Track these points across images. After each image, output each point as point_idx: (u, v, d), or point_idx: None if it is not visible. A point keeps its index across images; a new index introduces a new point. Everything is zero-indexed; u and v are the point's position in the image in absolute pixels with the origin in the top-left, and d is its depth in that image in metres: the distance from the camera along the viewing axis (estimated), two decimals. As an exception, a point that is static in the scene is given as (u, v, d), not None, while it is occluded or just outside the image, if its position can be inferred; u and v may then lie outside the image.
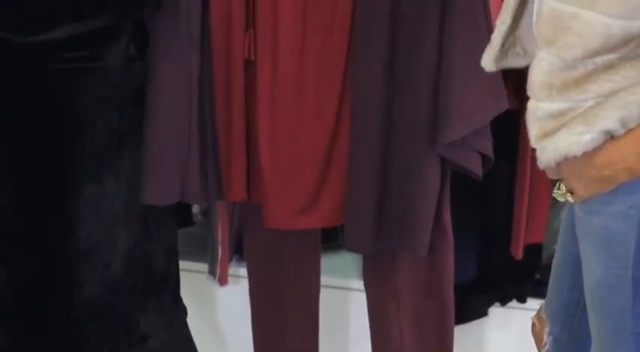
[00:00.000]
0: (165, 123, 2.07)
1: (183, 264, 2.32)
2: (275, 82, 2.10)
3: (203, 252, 2.60)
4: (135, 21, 2.02)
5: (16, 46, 1.88)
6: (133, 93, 2.05)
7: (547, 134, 1.43)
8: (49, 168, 1.97)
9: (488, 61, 1.62)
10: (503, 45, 1.58)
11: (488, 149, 2.08)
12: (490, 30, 1.85)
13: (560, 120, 1.41)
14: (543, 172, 1.53)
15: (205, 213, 2.61)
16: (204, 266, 2.60)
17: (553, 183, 1.56)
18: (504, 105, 2.04)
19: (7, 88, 1.93)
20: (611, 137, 1.39)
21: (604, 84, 1.37)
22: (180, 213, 2.35)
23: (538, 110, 1.43)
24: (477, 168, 2.09)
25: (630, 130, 1.37)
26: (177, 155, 2.09)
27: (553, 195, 1.53)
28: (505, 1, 1.57)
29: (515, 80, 2.15)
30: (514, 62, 1.63)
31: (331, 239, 2.69)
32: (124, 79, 2.01)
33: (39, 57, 1.91)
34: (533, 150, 1.48)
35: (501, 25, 1.58)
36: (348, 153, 2.11)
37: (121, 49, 1.99)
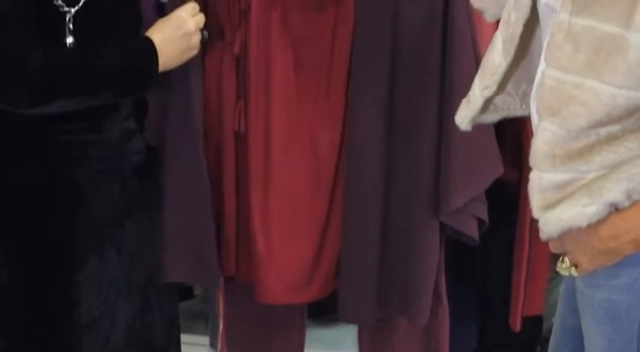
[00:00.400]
0: (183, 204, 2.09)
1: (184, 337, 2.31)
2: (268, 154, 2.10)
3: (204, 325, 2.58)
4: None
5: (16, 119, 1.89)
6: (133, 165, 2.06)
7: (550, 205, 1.43)
8: (49, 241, 1.97)
9: (466, 120, 1.63)
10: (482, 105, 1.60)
11: (484, 213, 2.09)
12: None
13: (563, 192, 1.41)
14: (542, 243, 1.53)
15: (206, 288, 2.60)
16: (205, 340, 2.58)
17: (553, 255, 1.55)
18: (501, 169, 2.05)
19: (7, 160, 1.94)
20: (615, 209, 1.39)
21: (608, 155, 1.38)
22: (181, 287, 2.34)
23: (541, 181, 1.43)
24: (473, 232, 2.10)
25: (635, 202, 1.38)
26: (194, 233, 2.11)
27: (557, 269, 1.51)
28: (489, 65, 1.58)
29: (514, 152, 2.17)
30: (487, 118, 1.65)
31: (324, 311, 2.66)
32: (124, 151, 2.03)
33: (38, 130, 1.92)
34: (532, 221, 1.48)
35: (485, 90, 1.58)
36: (343, 223, 2.11)
37: (120, 121, 2.00)
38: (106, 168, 1.99)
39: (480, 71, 1.62)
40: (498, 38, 1.57)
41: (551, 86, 1.39)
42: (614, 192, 1.38)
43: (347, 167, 2.08)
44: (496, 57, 1.57)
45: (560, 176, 1.41)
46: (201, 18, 1.98)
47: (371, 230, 2.09)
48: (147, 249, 2.10)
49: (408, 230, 2.08)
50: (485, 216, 2.09)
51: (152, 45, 1.91)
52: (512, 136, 2.21)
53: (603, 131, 1.37)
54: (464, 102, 1.64)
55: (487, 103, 1.61)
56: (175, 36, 1.93)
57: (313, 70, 2.06)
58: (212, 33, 2.03)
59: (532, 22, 1.51)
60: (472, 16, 1.99)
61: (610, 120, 1.36)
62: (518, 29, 1.50)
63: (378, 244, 2.10)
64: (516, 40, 1.51)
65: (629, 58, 1.31)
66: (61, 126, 1.92)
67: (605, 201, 1.39)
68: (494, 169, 2.06)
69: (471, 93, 1.63)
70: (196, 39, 1.97)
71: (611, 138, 1.37)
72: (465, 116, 1.64)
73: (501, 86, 1.58)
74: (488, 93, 1.58)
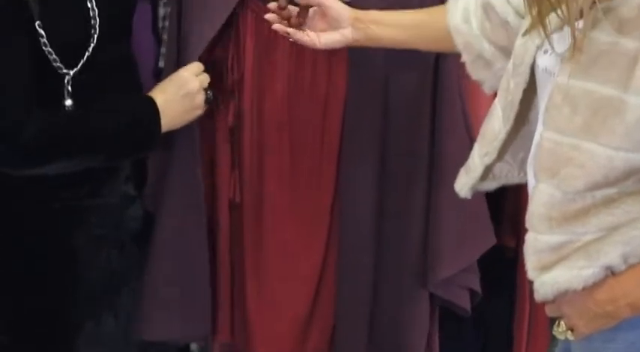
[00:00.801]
0: (170, 267, 2.09)
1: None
2: (260, 222, 2.09)
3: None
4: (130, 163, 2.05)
5: (14, 184, 1.89)
6: (131, 232, 2.05)
7: (545, 267, 1.43)
8: (46, 307, 1.96)
9: (465, 188, 1.64)
10: (482, 173, 1.61)
11: (476, 284, 2.08)
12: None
13: (559, 254, 1.41)
14: (543, 309, 1.53)
15: (203, 348, 2.58)
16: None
17: (551, 321, 1.55)
18: (492, 240, 2.04)
19: (6, 225, 1.93)
20: (611, 272, 1.39)
21: (605, 218, 1.38)
22: (180, 348, 2.34)
23: (537, 242, 1.43)
24: (465, 303, 2.09)
25: (632, 266, 1.38)
26: (188, 294, 2.10)
27: (553, 332, 1.51)
28: (488, 132, 1.60)
29: (512, 217, 2.16)
30: (485, 186, 1.66)
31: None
32: (123, 217, 2.02)
33: (37, 196, 1.91)
34: (532, 286, 1.48)
35: (485, 157, 1.60)
36: (336, 291, 2.10)
37: (119, 185, 2.00)
38: (105, 233, 1.98)
39: (479, 139, 1.63)
40: (497, 106, 1.59)
41: (549, 148, 1.40)
42: (611, 255, 1.38)
43: (340, 236, 2.07)
44: (496, 124, 1.58)
45: (556, 238, 1.42)
46: (205, 78, 1.96)
47: (362, 298, 2.08)
48: None
49: (398, 299, 2.07)
50: (477, 287, 2.08)
51: (154, 105, 1.90)
52: (509, 202, 2.20)
53: (600, 193, 1.37)
54: (463, 170, 1.65)
55: (487, 171, 1.62)
56: (178, 96, 1.92)
57: (306, 140, 2.06)
58: (216, 94, 2.02)
59: (530, 90, 1.53)
60: (462, 84, 2.00)
61: (607, 183, 1.36)
62: (518, 95, 1.52)
63: (369, 313, 2.09)
64: (516, 107, 1.53)
65: (626, 119, 1.32)
66: (60, 191, 1.91)
67: (601, 264, 1.39)
68: (486, 240, 2.05)
69: (470, 161, 1.64)
70: (200, 99, 1.95)
71: (608, 201, 1.38)
72: (464, 184, 1.65)
73: (501, 153, 1.60)
74: (488, 160, 1.59)
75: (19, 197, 1.90)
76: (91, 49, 1.83)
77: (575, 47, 1.36)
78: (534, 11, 1.40)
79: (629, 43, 1.33)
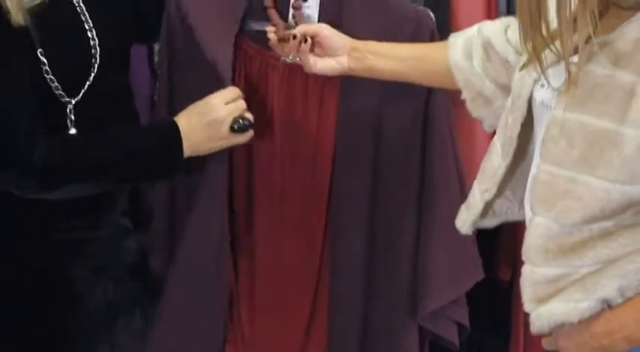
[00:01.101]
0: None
1: None
2: (254, 276, 2.10)
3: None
4: (131, 193, 2.05)
5: (14, 216, 1.89)
6: (127, 265, 2.05)
7: (542, 299, 1.43)
8: (43, 338, 1.95)
9: (466, 224, 1.64)
10: (483, 209, 1.61)
11: (465, 318, 2.07)
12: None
13: (555, 286, 1.42)
14: (537, 342, 1.53)
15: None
16: None
17: (546, 353, 1.55)
18: (480, 274, 2.04)
19: (4, 257, 1.93)
20: (607, 305, 1.39)
21: (601, 251, 1.38)
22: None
23: (533, 275, 1.44)
24: (453, 337, 2.08)
25: (629, 299, 1.38)
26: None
27: None
28: (488, 169, 1.60)
29: (507, 249, 2.17)
30: (486, 223, 1.66)
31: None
32: (119, 250, 2.02)
33: (35, 228, 1.90)
34: (527, 319, 1.48)
35: (485, 193, 1.60)
36: (327, 328, 2.09)
37: (116, 218, 2.00)
38: (102, 266, 1.98)
39: (479, 175, 1.64)
40: (496, 143, 1.60)
41: (546, 181, 1.41)
42: (608, 288, 1.38)
43: (331, 269, 2.07)
44: (495, 160, 1.59)
45: (553, 270, 1.42)
46: (236, 107, 1.90)
47: (353, 330, 2.08)
48: (138, 347, 2.08)
49: (388, 331, 2.06)
50: (465, 321, 2.08)
51: (177, 129, 1.86)
52: (505, 234, 2.21)
53: (597, 226, 1.38)
54: (463, 207, 1.65)
55: (487, 207, 1.62)
56: (202, 123, 1.87)
57: (296, 174, 2.06)
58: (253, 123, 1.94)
59: (528, 124, 1.53)
60: (451, 121, 2.01)
61: (604, 216, 1.37)
62: (516, 130, 1.53)
63: (360, 345, 2.08)
64: (514, 142, 1.54)
65: (623, 152, 1.33)
66: (59, 223, 1.91)
67: (598, 297, 1.39)
68: (474, 274, 2.05)
69: (470, 197, 1.65)
70: (225, 129, 1.89)
71: (605, 234, 1.38)
72: (465, 220, 1.65)
73: (500, 189, 1.60)
74: (488, 196, 1.60)
75: (18, 228, 1.90)
76: (92, 78, 1.84)
77: (571, 81, 1.37)
78: (529, 46, 1.41)
79: (624, 76, 1.34)
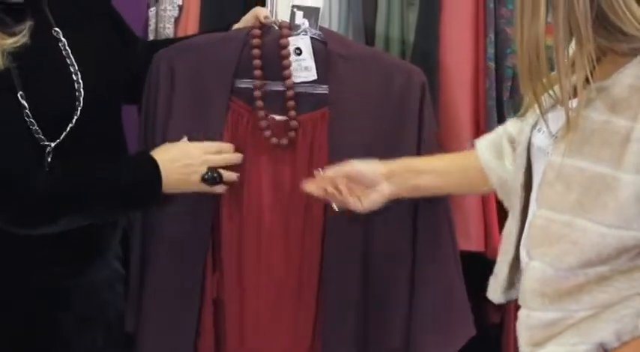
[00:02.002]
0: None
1: None
2: (242, 322, 2.06)
3: None
4: (121, 239, 2.03)
5: (1, 264, 1.87)
6: (120, 312, 2.03)
7: (538, 344, 1.43)
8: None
9: (496, 293, 1.63)
10: (509, 274, 1.60)
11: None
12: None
13: (551, 330, 1.41)
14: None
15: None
16: None
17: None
18: (472, 331, 2.03)
19: None
20: (604, 350, 1.38)
21: (598, 295, 1.38)
22: None
23: (530, 319, 1.43)
24: None
25: (625, 343, 1.37)
26: None
27: None
28: (506, 231, 1.60)
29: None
30: (515, 293, 1.62)
31: None
32: (109, 298, 2.00)
33: (25, 273, 1.88)
34: None
35: (505, 255, 1.60)
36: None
37: (107, 265, 1.98)
38: (92, 314, 1.96)
39: (501, 242, 1.64)
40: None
41: (542, 225, 1.41)
42: (604, 332, 1.38)
43: (322, 325, 2.04)
44: (510, 221, 1.59)
45: (549, 315, 1.42)
46: (215, 159, 1.93)
47: None
48: None
49: None
50: None
51: (155, 161, 1.87)
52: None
53: (593, 271, 1.38)
54: (492, 278, 1.65)
55: (512, 274, 1.60)
56: (178, 162, 1.89)
57: (285, 240, 2.03)
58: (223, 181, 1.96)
59: (531, 174, 1.54)
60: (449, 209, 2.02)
61: (600, 260, 1.37)
62: (519, 180, 1.54)
63: None
64: (519, 192, 1.54)
65: (619, 197, 1.33)
66: (48, 269, 1.88)
67: (594, 341, 1.39)
68: (465, 333, 2.03)
69: (496, 266, 1.64)
70: (196, 177, 1.91)
71: (601, 279, 1.38)
72: (494, 289, 1.64)
73: (518, 250, 1.58)
74: (507, 257, 1.59)
75: (6, 276, 1.87)
76: (74, 121, 1.82)
77: (570, 126, 1.37)
78: (529, 92, 1.42)
79: (620, 122, 1.35)
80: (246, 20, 2.05)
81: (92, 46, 1.89)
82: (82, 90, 1.83)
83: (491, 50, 2.14)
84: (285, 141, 1.99)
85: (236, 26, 2.06)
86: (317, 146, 1.99)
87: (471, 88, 2.16)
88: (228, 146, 1.97)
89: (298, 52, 1.99)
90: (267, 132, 1.99)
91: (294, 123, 1.98)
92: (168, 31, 2.33)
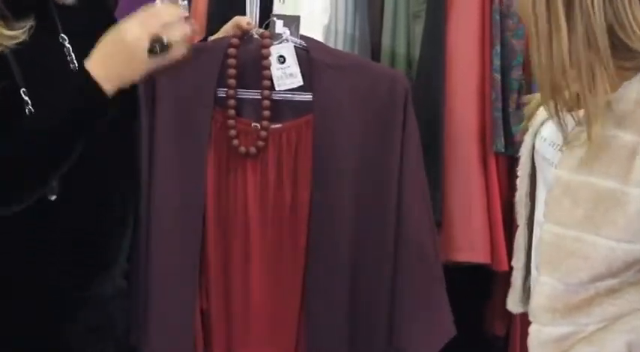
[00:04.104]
0: None
1: None
2: (229, 331, 2.07)
3: None
4: (126, 254, 2.02)
5: (4, 275, 1.87)
6: (124, 328, 2.01)
7: None
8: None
9: (514, 303, 1.64)
10: (524, 283, 1.60)
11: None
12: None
13: (563, 345, 1.41)
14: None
15: None
16: None
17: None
18: (452, 331, 2.02)
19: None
20: None
21: (608, 308, 1.38)
22: None
23: (541, 334, 1.43)
24: None
25: None
26: None
27: None
28: (515, 243, 1.61)
29: (503, 306, 2.16)
30: None
31: None
32: (115, 311, 1.98)
33: (29, 286, 1.88)
34: None
35: (517, 262, 1.61)
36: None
37: (112, 279, 1.97)
38: (99, 327, 1.95)
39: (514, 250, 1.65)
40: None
41: (551, 241, 1.41)
42: (616, 343, 1.38)
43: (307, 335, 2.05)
44: (519, 231, 1.61)
45: (560, 329, 1.41)
46: (153, 24, 1.70)
47: None
48: None
49: None
50: None
51: (89, 75, 1.72)
52: (500, 289, 2.20)
53: (602, 285, 1.38)
54: (511, 290, 1.65)
55: (527, 283, 1.61)
56: (115, 50, 1.71)
57: (272, 248, 2.05)
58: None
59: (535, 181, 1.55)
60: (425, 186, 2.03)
61: (610, 274, 1.37)
62: (524, 188, 1.55)
63: None
64: (523, 200, 1.56)
65: (627, 211, 1.34)
66: (52, 282, 1.87)
67: None
68: (445, 331, 2.04)
69: (512, 276, 1.65)
70: (141, 53, 1.69)
71: (611, 292, 1.38)
72: (512, 300, 1.65)
73: (529, 256, 1.60)
74: (520, 264, 1.60)
75: (9, 289, 1.87)
76: None
77: (591, 143, 1.37)
78: (552, 107, 1.41)
79: (627, 137, 1.35)
80: (225, 30, 2.06)
81: None
82: None
83: (497, 62, 2.15)
84: (253, 149, 2.00)
85: (215, 36, 2.07)
86: (301, 153, 2.00)
87: (476, 100, 2.17)
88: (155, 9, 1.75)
89: (282, 59, 2.01)
90: (235, 141, 2.01)
91: (262, 133, 2.00)
92: (174, 41, 2.33)
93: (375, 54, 2.28)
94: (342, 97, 1.99)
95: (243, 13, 2.11)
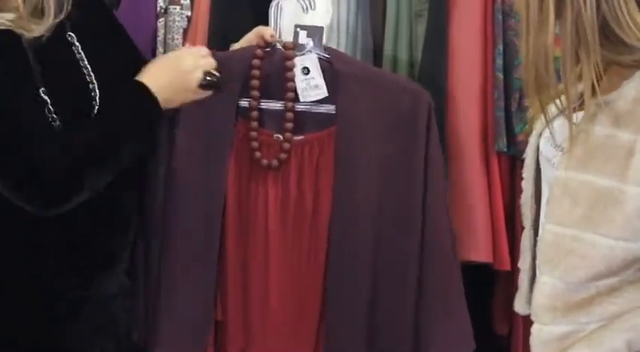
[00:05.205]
0: None
1: None
2: (247, 342, 2.07)
3: None
4: (129, 253, 2.02)
5: (10, 274, 1.86)
6: (127, 324, 2.02)
7: None
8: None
9: (520, 305, 1.64)
10: (530, 285, 1.60)
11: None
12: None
13: (563, 343, 1.41)
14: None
15: None
16: None
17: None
18: (472, 346, 2.04)
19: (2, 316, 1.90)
20: None
21: (608, 307, 1.38)
22: None
23: (542, 333, 1.43)
24: None
25: None
26: None
27: None
28: (521, 245, 1.62)
29: (505, 305, 2.15)
30: None
31: None
32: (118, 310, 1.99)
33: (33, 287, 1.87)
34: None
35: (524, 263, 1.61)
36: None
37: (115, 277, 1.97)
38: (101, 326, 1.95)
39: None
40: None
41: (551, 241, 1.42)
42: (616, 341, 1.38)
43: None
44: (524, 233, 1.62)
45: (560, 328, 1.42)
46: (207, 62, 1.92)
47: None
48: None
49: None
50: None
51: (148, 90, 1.86)
52: (501, 289, 2.20)
53: (602, 283, 1.38)
54: (517, 292, 1.65)
55: (532, 283, 1.61)
56: (171, 76, 1.89)
57: (292, 257, 2.05)
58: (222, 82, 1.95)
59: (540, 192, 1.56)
60: (447, 199, 2.05)
61: (609, 273, 1.37)
62: (529, 190, 1.56)
63: None
64: (529, 202, 1.57)
65: (625, 210, 1.34)
66: (56, 282, 1.87)
67: (605, 350, 1.38)
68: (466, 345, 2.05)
69: (519, 278, 1.65)
70: (194, 83, 1.90)
71: (611, 290, 1.39)
72: (519, 301, 1.65)
73: (534, 258, 1.59)
74: (526, 266, 1.61)
75: (14, 289, 1.87)
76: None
77: (572, 142, 1.39)
78: (536, 102, 1.43)
79: (625, 136, 1.36)
80: (248, 39, 2.07)
81: (106, 55, 1.92)
82: (96, 90, 1.85)
83: (499, 61, 2.14)
84: (275, 162, 2.01)
85: (237, 45, 2.08)
86: (323, 165, 2.01)
87: (479, 99, 2.16)
88: (207, 49, 1.96)
89: (306, 71, 2.02)
90: (258, 154, 2.01)
91: (285, 145, 2.00)
92: (176, 41, 2.33)
93: (378, 53, 2.28)
94: (365, 109, 2.00)
95: (247, 23, 2.13)
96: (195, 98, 1.93)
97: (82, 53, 1.87)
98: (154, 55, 2.27)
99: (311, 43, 2.03)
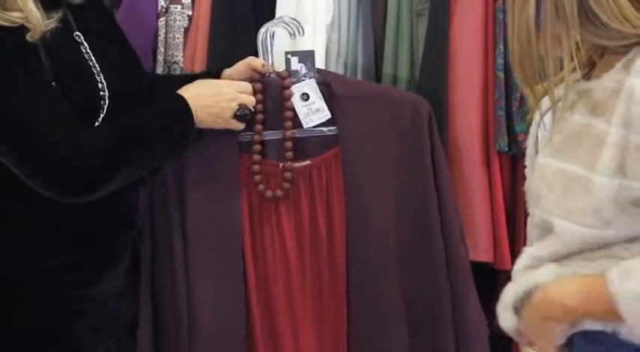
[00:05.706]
0: None
1: None
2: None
3: None
4: (132, 251, 2.03)
5: (15, 273, 1.86)
6: (128, 323, 2.02)
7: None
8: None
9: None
10: None
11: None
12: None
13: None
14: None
15: None
16: None
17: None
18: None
19: (7, 312, 1.88)
20: None
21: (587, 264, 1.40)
22: None
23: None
24: None
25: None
26: None
27: None
28: (527, 231, 1.61)
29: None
30: None
31: None
32: (120, 308, 1.99)
33: (39, 283, 1.87)
34: None
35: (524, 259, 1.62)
36: None
37: (117, 276, 1.98)
38: (103, 323, 1.95)
39: None
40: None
41: (533, 224, 1.47)
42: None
43: None
44: (529, 219, 1.61)
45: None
46: (246, 97, 1.99)
47: None
48: None
49: None
50: None
51: (184, 100, 1.93)
52: (503, 289, 2.19)
53: (582, 257, 1.40)
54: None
55: None
56: (210, 98, 1.96)
57: (311, 289, 2.07)
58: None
59: None
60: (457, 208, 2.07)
61: (589, 249, 1.39)
62: (531, 180, 1.55)
63: None
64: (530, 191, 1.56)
65: (593, 199, 1.35)
66: (62, 278, 1.88)
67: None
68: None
69: None
70: (228, 112, 1.97)
71: (589, 261, 1.39)
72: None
73: None
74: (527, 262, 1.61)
75: (17, 284, 1.87)
76: (100, 119, 1.86)
77: (553, 128, 1.42)
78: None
79: (600, 125, 1.36)
80: (238, 70, 2.07)
81: (114, 54, 1.95)
82: (105, 89, 1.87)
83: (500, 61, 2.15)
84: (279, 192, 2.02)
85: (228, 72, 2.08)
86: (333, 185, 2.03)
87: (480, 98, 2.17)
88: (250, 87, 2.02)
89: (305, 97, 2.02)
90: (261, 187, 2.02)
91: (287, 174, 2.02)
92: (177, 41, 2.34)
93: (379, 53, 2.28)
94: (366, 126, 2.01)
95: (247, 22, 2.14)
96: (224, 126, 1.99)
97: (90, 52, 1.89)
98: (154, 54, 2.28)
99: (304, 68, 2.05)
